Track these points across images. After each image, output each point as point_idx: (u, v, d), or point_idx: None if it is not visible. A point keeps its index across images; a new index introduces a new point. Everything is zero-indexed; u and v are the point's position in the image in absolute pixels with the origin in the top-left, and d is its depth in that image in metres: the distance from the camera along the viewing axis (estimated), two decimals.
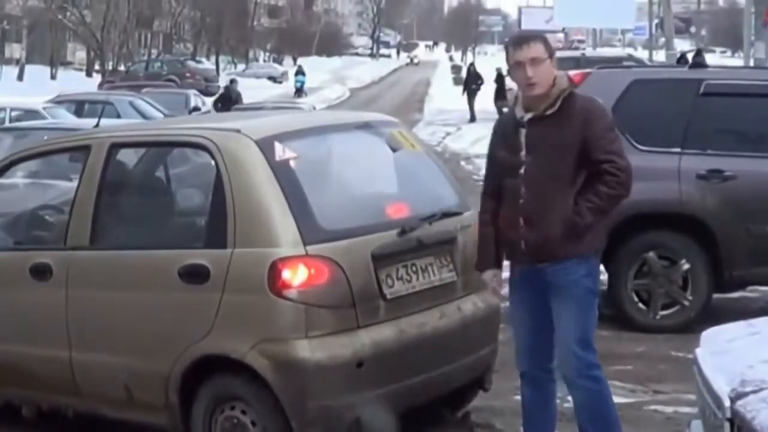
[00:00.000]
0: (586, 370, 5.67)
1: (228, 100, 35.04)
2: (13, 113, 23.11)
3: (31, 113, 22.34)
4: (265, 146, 6.03)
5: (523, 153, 5.66)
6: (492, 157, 5.94)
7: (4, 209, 7.98)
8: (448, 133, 37.79)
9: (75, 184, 6.94)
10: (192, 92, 37.71)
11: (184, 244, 6.32)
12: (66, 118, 22.26)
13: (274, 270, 5.73)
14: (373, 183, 6.63)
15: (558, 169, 5.59)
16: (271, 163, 5.97)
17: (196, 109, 34.28)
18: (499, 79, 43.18)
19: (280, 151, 6.03)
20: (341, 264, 5.83)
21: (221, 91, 37.61)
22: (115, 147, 6.74)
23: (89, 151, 6.75)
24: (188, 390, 6.07)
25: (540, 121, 5.64)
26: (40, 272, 6.65)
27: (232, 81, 38.40)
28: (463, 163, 27.90)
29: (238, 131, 6.19)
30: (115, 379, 6.34)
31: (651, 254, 9.47)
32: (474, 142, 33.50)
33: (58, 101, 28.03)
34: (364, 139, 6.75)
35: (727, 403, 4.02)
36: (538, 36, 5.80)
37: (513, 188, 5.71)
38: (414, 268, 6.23)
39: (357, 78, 79.57)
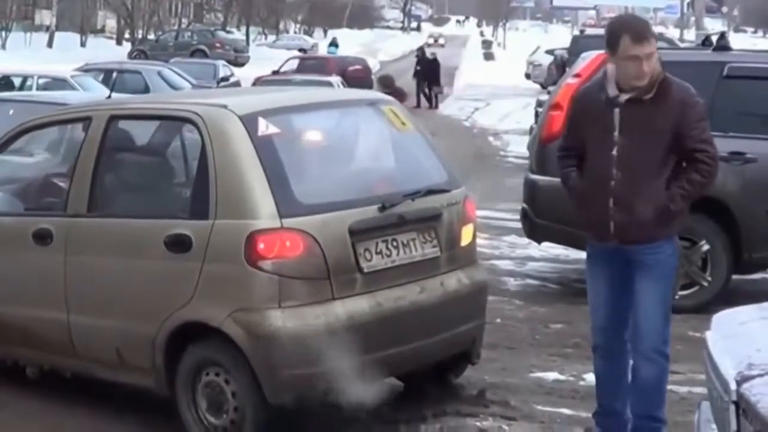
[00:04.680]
0: (663, 346, 5.84)
1: None
2: (41, 81, 23.06)
3: (59, 81, 22.24)
4: (249, 122, 6.21)
5: (616, 134, 5.73)
6: (574, 128, 6.01)
7: (18, 175, 8.18)
8: (476, 108, 37.76)
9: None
10: (221, 62, 37.79)
11: (170, 214, 6.52)
12: (94, 87, 22.29)
13: (251, 241, 5.91)
14: (358, 159, 6.82)
15: (652, 153, 5.69)
16: (253, 138, 6.14)
17: (225, 79, 34.32)
18: (433, 63, 41.76)
19: (263, 127, 6.20)
20: (317, 237, 5.98)
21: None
22: (114, 119, 6.96)
23: (90, 122, 6.98)
24: (173, 354, 6.28)
25: (637, 104, 5.69)
26: (42, 237, 6.88)
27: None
28: (491, 138, 27.90)
29: (224, 107, 6.38)
30: (108, 342, 6.57)
31: None
32: (503, 117, 33.53)
33: (87, 69, 28.05)
34: (354, 116, 6.97)
35: (733, 386, 4.01)
36: (653, 32, 5.85)
37: (602, 168, 5.78)
38: (395, 243, 6.35)
39: (387, 51, 79.31)
